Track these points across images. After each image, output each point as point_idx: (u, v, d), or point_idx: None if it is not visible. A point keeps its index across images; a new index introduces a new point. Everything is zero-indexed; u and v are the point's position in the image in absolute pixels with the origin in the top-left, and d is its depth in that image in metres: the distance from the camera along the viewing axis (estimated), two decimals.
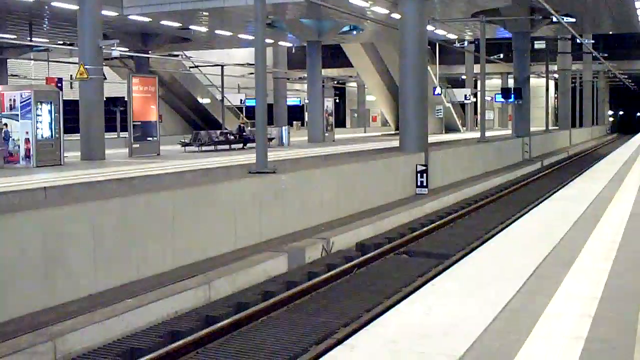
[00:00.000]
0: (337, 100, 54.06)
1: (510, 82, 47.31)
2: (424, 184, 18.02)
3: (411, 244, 13.14)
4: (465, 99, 57.93)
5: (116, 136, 36.75)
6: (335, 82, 71.21)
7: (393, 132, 52.19)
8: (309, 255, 11.59)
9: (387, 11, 33.26)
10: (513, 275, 6.68)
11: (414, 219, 15.77)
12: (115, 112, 38.29)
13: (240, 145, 31.39)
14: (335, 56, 59.64)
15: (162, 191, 10.57)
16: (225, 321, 8.22)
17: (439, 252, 12.40)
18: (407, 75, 19.36)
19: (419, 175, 18.03)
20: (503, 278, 6.65)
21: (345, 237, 12.79)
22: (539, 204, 16.14)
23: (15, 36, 39.51)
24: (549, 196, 16.42)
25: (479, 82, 46.66)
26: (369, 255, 11.78)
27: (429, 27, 34.70)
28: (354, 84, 75.57)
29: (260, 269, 10.36)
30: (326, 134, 38.19)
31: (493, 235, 12.18)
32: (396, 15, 27.60)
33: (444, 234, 14.48)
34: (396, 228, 14.56)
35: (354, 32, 39.69)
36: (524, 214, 14.00)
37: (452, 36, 46.86)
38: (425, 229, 14.42)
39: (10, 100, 20.46)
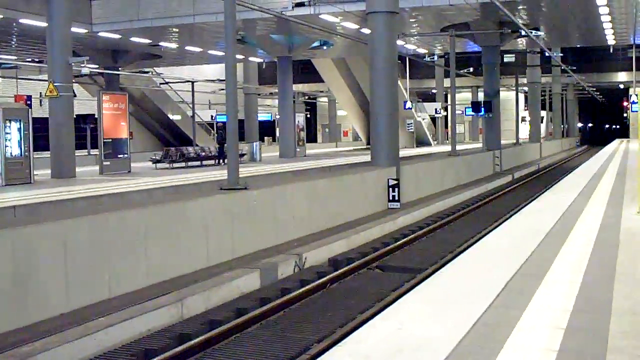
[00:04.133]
0: (308, 116, 54.13)
1: (481, 96, 47.72)
2: (396, 198, 18.07)
3: (384, 259, 13.15)
4: (436, 112, 58.23)
5: (86, 153, 36.53)
6: (306, 97, 71.31)
7: (364, 147, 52.34)
8: (282, 271, 11.57)
9: (357, 26, 33.42)
10: (485, 289, 6.72)
11: (386, 233, 15.80)
12: (86, 130, 38.07)
13: (212, 162, 31.31)
14: (306, 71, 59.76)
15: (134, 209, 10.52)
16: (199, 339, 8.18)
17: (412, 267, 12.43)
18: (377, 90, 19.43)
19: (390, 189, 18.08)
20: (475, 292, 6.69)
21: (318, 253, 12.78)
22: (510, 217, 16.27)
23: None
24: (520, 209, 16.54)
25: (449, 96, 46.92)
26: (341, 270, 11.77)
27: (399, 42, 34.91)
28: (325, 99, 75.73)
29: (233, 286, 10.32)
30: (297, 149, 38.22)
31: (465, 249, 12.23)
32: (366, 30, 27.73)
33: (416, 248, 14.51)
34: (369, 243, 14.58)
35: (325, 47, 39.82)
36: (495, 227, 14.09)
37: (422, 50, 47.14)
38: (397, 243, 14.43)
39: None
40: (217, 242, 11.54)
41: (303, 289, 10.48)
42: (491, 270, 7.67)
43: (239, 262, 11.53)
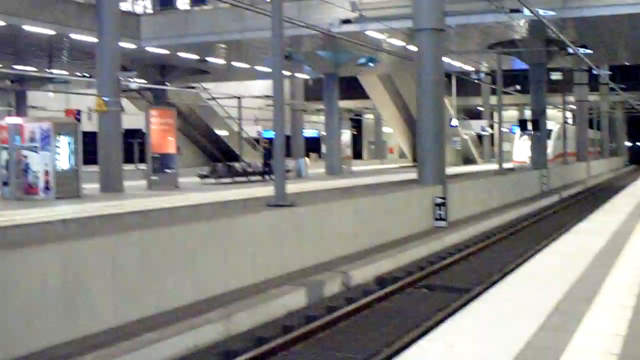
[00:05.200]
0: (354, 132, 54.17)
1: (527, 114, 47.27)
2: (443, 216, 17.97)
3: (431, 278, 13.08)
4: (482, 130, 57.91)
5: (134, 168, 36.89)
6: (353, 114, 71.36)
7: (410, 164, 52.18)
8: (328, 289, 11.55)
9: (403, 43, 33.43)
10: (534, 311, 6.65)
11: (432, 252, 15.72)
12: (133, 144, 38.47)
13: (259, 178, 31.37)
14: (352, 88, 59.82)
15: (182, 224, 10.59)
16: (245, 356, 8.19)
17: (459, 287, 12.33)
18: (424, 107, 19.39)
19: (437, 208, 17.99)
20: (524, 314, 6.62)
21: (364, 271, 12.75)
22: (558, 237, 16.08)
23: (35, 68, 39.87)
24: (569, 229, 16.34)
25: (495, 114, 46.68)
26: (388, 289, 11.73)
27: (446, 59, 34.81)
28: (371, 116, 75.72)
29: (279, 303, 10.33)
30: (343, 166, 38.23)
31: (513, 269, 12.13)
32: (412, 47, 27.70)
33: (463, 267, 14.42)
34: (415, 261, 14.52)
35: (371, 64, 39.84)
36: (543, 248, 13.94)
37: (468, 67, 46.97)
38: (444, 262, 14.36)
39: (31, 132, 20.61)
40: (264, 259, 11.56)
41: (349, 307, 10.46)
42: (540, 291, 7.59)
43: (285, 279, 11.54)
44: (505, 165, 31.82)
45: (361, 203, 15.40)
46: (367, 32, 31.08)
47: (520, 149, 45.97)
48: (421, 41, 19.45)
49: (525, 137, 40.85)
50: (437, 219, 18.02)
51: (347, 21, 28.99)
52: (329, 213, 13.87)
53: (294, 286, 11.07)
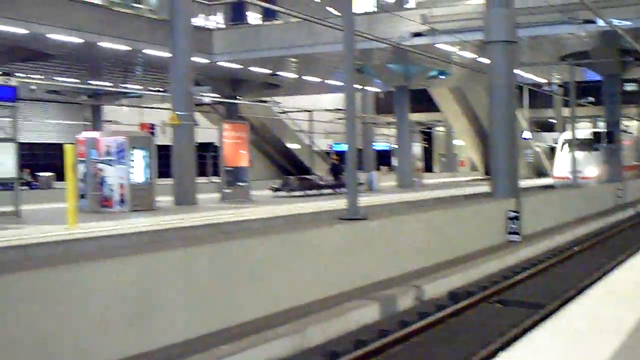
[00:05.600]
0: (425, 145, 53.91)
1: (601, 126, 46.49)
2: (516, 230, 17.74)
3: (505, 293, 12.90)
4: (555, 142, 57.12)
5: (207, 181, 37.29)
6: (423, 127, 71.11)
7: (482, 177, 51.71)
8: (401, 303, 11.48)
9: (474, 55, 33.22)
10: (614, 329, 6.49)
11: (506, 266, 15.50)
12: (206, 157, 38.91)
13: (330, 191, 31.43)
14: (423, 100, 59.65)
15: (255, 237, 10.64)
16: None
17: (534, 302, 12.12)
18: (496, 120, 19.21)
19: (510, 221, 17.76)
20: (603, 331, 6.46)
21: (437, 285, 12.64)
22: (636, 252, 15.72)
23: (110, 83, 40.66)
24: None
25: (568, 126, 45.96)
26: (461, 304, 11.61)
27: (517, 71, 34.47)
28: (442, 128, 75.32)
29: (352, 317, 10.30)
30: (415, 179, 38.09)
31: (590, 285, 11.89)
32: (484, 59, 27.48)
33: (538, 282, 14.18)
34: (489, 276, 14.34)
35: (441, 77, 39.67)
36: (621, 263, 13.64)
37: (540, 79, 46.42)
38: (518, 277, 14.15)
39: (106, 146, 21.01)
40: (336, 272, 11.55)
41: (423, 322, 10.38)
42: (620, 308, 7.41)
43: (358, 293, 11.50)
44: (545, 182, 31.09)
45: (433, 217, 15.30)
46: (437, 45, 30.97)
47: (562, 163, 39.55)
48: (493, 53, 19.28)
49: (567, 149, 37.64)
50: (510, 233, 17.79)
51: (418, 34, 28.98)
52: (400, 227, 13.81)
53: (366, 300, 11.03)
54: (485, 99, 25.52)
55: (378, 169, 49.16)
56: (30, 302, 6.89)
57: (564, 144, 40.46)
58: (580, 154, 35.78)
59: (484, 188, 24.05)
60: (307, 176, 34.59)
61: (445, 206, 18.90)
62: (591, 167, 37.69)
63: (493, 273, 14.68)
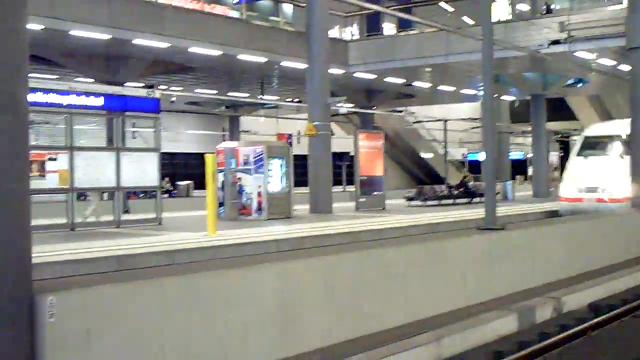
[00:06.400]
0: (562, 154, 52.76)
1: None
2: None
3: None
4: None
5: (342, 190, 37.62)
6: (560, 136, 69.53)
7: None
8: (540, 315, 11.30)
9: (614, 62, 32.34)
10: None
11: None
12: (341, 167, 39.28)
13: (465, 200, 31.27)
14: (559, 109, 58.35)
15: (394, 246, 10.68)
16: None
17: None
18: (638, 128, 18.66)
19: None
20: None
21: (576, 297, 12.38)
22: None
23: (248, 94, 41.58)
24: None
25: None
26: (603, 317, 11.32)
27: None
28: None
29: (490, 328, 10.21)
30: (551, 189, 37.36)
31: None
32: (624, 66, 26.74)
33: None
34: (632, 289, 13.91)
35: (579, 85, 38.78)
36: None
37: None
38: None
39: (244, 155, 21.54)
40: (473, 283, 11.48)
41: (562, 334, 10.19)
42: None
43: (495, 304, 11.39)
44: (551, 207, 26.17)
45: (572, 227, 14.98)
46: (576, 53, 30.32)
47: (576, 174, 25.78)
48: (636, 60, 18.74)
49: (582, 158, 25.88)
50: None
51: (556, 42, 28.45)
52: (539, 237, 13.59)
53: (504, 311, 10.91)
54: (625, 107, 24.80)
55: (513, 179, 48.39)
56: (176, 307, 7.12)
57: (583, 143, 26.83)
58: (599, 161, 25.24)
59: None
60: (442, 185, 34.39)
61: (584, 217, 18.47)
62: (620, 181, 22.98)
63: (637, 285, 14.25)
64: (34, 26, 22.72)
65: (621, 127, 24.62)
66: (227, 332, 7.71)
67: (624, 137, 23.84)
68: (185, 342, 7.17)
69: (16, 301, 5.61)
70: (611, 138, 25.57)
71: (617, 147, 25.10)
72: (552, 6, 35.19)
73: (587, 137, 26.97)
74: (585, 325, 10.77)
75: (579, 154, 26.30)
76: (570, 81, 37.71)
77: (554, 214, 24.01)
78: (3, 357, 5.52)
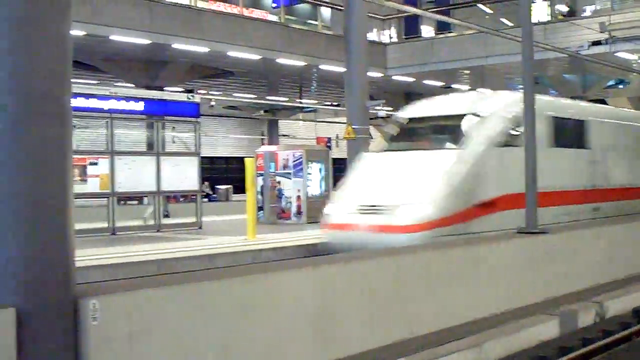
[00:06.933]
0: None
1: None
2: None
3: None
4: None
5: None
6: None
7: None
8: (582, 320, 11.19)
9: None
10: None
11: None
12: None
13: None
14: None
15: (434, 250, 10.62)
16: None
17: None
18: None
19: None
20: None
21: (620, 302, 12.24)
22: None
23: (286, 98, 41.70)
24: None
25: None
26: None
27: None
28: None
29: (531, 332, 10.14)
30: None
31: None
32: None
33: None
34: None
35: (620, 86, 38.37)
36: None
37: None
38: None
39: (284, 159, 21.60)
40: (513, 287, 11.38)
41: (606, 340, 10.08)
42: None
43: (536, 308, 11.30)
44: None
45: (614, 231, 14.80)
46: (617, 54, 30.02)
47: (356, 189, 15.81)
48: None
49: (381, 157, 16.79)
50: None
51: (597, 43, 28.17)
52: (581, 241, 13.45)
53: (545, 315, 10.83)
54: None
55: None
56: (215, 311, 7.15)
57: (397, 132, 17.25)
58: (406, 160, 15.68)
59: None
60: None
61: (628, 221, 18.24)
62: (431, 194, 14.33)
63: None
64: (76, 32, 22.98)
65: (478, 101, 16.72)
66: (266, 335, 7.72)
67: (476, 117, 15.59)
68: (225, 345, 7.20)
69: (60, 305, 5.67)
70: (448, 120, 16.37)
71: (454, 135, 15.66)
72: (593, 7, 34.90)
73: (406, 122, 17.24)
74: (630, 330, 10.66)
75: (386, 149, 16.70)
76: (611, 82, 37.32)
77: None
78: None
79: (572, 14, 34.22)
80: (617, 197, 19.06)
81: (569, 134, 18.04)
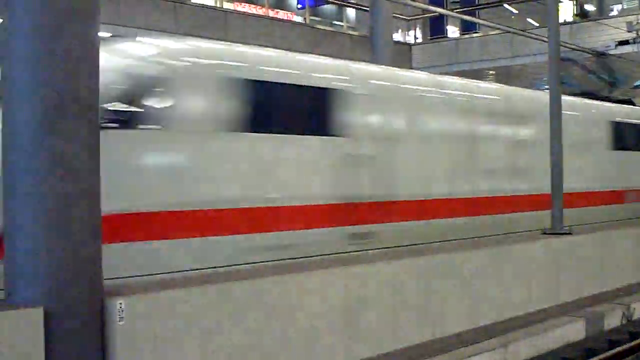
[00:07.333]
0: None
1: None
2: None
3: None
4: None
5: None
6: None
7: None
8: (608, 321, 11.14)
9: None
10: None
11: None
12: None
13: None
14: None
15: (460, 251, 10.59)
16: None
17: None
18: None
19: None
20: None
21: None
22: None
23: None
24: None
25: None
26: None
27: None
28: None
29: (557, 334, 10.11)
30: None
31: None
32: None
33: None
34: None
35: None
36: None
37: None
38: None
39: None
40: (539, 288, 11.34)
41: (633, 342, 10.03)
42: None
43: (562, 309, 11.26)
44: None
45: None
46: None
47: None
48: None
49: None
50: None
51: (624, 42, 28.00)
52: (607, 242, 13.37)
53: (571, 317, 10.79)
54: None
55: None
56: (242, 312, 7.17)
57: None
58: None
59: None
60: None
61: None
62: None
63: None
64: (101, 34, 23.10)
65: None
66: (294, 335, 7.74)
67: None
68: (252, 345, 7.23)
69: (88, 305, 5.72)
70: None
71: None
72: (620, 6, 34.68)
73: None
74: None
75: None
76: (637, 83, 37.02)
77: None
78: None
79: (584, 15, 33.95)
80: None
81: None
